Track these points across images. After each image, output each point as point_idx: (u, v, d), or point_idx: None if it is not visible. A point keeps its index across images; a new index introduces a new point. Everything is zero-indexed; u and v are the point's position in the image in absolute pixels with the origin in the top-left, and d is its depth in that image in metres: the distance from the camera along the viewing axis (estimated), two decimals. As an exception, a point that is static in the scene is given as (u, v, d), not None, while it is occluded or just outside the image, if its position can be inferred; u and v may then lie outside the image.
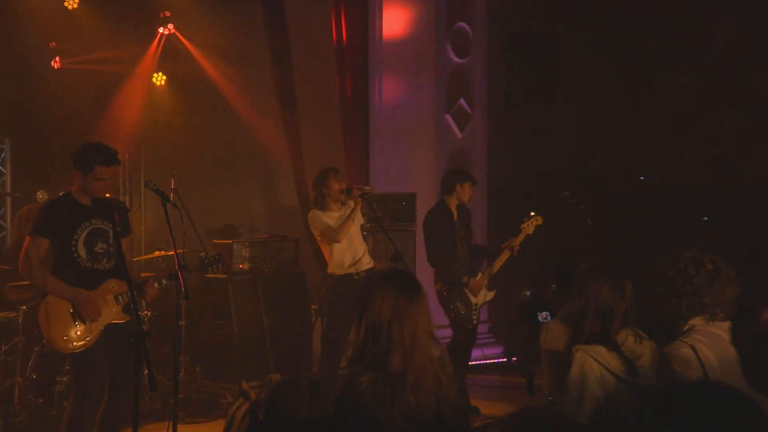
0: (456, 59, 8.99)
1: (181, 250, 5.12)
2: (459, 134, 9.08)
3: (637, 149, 8.87)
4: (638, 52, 8.90)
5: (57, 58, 8.55)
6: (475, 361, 8.40)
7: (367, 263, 6.79)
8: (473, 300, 7.05)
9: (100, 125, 8.54)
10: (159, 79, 9.16)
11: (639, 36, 8.91)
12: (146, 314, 6.85)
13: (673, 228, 8.37)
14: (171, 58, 9.15)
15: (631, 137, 8.86)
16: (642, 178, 9.07)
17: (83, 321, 4.88)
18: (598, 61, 9.14)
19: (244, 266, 7.90)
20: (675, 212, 8.53)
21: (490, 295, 7.22)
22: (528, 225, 7.13)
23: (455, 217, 7.16)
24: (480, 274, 7.16)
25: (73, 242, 4.93)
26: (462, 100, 9.04)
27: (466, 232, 7.23)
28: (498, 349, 9.07)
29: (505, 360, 8.96)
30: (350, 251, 6.70)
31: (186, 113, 9.18)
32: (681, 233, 8.17)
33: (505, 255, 7.08)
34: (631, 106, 8.90)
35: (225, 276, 7.80)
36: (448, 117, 9.01)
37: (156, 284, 5.15)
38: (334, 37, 8.76)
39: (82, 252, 4.94)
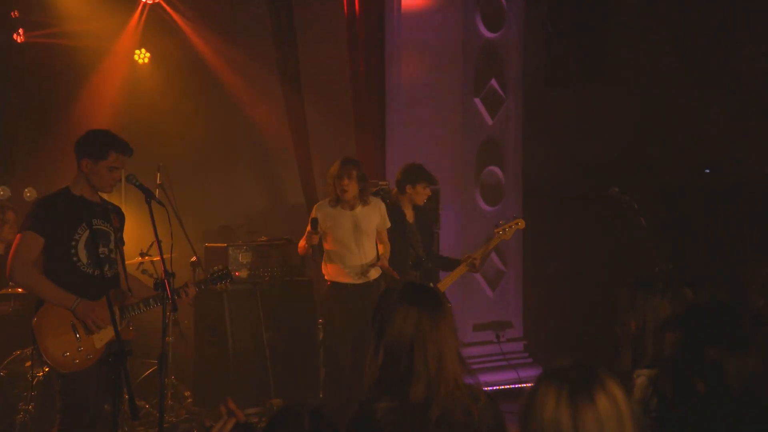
0: (487, 33, 8.99)
1: (168, 255, 5.07)
2: (490, 120, 9.07)
3: (701, 136, 8.79)
4: (703, 20, 8.78)
5: (20, 31, 8.40)
6: (509, 384, 8.46)
7: (357, 277, 6.67)
8: None
9: (74, 110, 8.52)
10: (142, 56, 9.09)
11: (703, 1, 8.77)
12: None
13: (743, 229, 8.25)
14: (156, 31, 9.08)
15: (694, 122, 8.79)
16: (707, 170, 8.96)
17: (86, 331, 4.84)
18: (654, 33, 9.05)
19: (241, 274, 7.86)
20: (746, 210, 8.44)
21: None
22: (503, 230, 7.05)
23: (411, 219, 7.13)
24: None
25: (73, 243, 4.88)
26: (494, 81, 9.04)
27: (425, 237, 7.16)
28: (535, 371, 8.93)
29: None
30: (338, 258, 6.66)
31: (174, 96, 9.14)
32: (753, 236, 8.03)
33: (461, 270, 7.01)
34: (694, 86, 8.82)
35: (219, 285, 7.74)
36: (478, 101, 9.01)
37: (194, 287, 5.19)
38: (345, 8, 8.72)
39: (83, 256, 4.89)
